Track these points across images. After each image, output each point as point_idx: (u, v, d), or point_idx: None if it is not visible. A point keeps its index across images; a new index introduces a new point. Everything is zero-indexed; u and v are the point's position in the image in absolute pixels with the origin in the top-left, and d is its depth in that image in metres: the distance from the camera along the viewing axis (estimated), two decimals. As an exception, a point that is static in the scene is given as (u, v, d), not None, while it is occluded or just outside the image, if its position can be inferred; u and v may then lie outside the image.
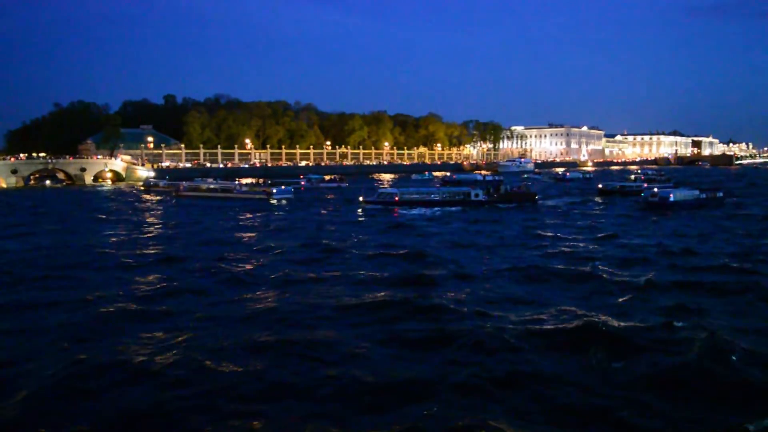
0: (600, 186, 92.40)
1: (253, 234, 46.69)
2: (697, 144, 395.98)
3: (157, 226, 53.68)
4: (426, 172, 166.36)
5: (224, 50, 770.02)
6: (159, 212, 69.06)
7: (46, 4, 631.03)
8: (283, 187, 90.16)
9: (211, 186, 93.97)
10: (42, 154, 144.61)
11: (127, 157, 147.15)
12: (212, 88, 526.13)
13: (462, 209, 64.68)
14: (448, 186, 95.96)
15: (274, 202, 78.69)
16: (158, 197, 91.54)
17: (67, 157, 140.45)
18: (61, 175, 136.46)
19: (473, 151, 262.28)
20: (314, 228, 49.68)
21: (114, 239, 44.65)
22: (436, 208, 65.15)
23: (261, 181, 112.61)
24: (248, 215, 62.22)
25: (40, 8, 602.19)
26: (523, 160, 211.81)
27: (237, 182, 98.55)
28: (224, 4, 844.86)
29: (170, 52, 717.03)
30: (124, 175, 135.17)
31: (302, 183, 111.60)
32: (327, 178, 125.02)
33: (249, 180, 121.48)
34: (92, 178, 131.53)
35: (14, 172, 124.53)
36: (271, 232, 48.31)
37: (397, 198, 68.85)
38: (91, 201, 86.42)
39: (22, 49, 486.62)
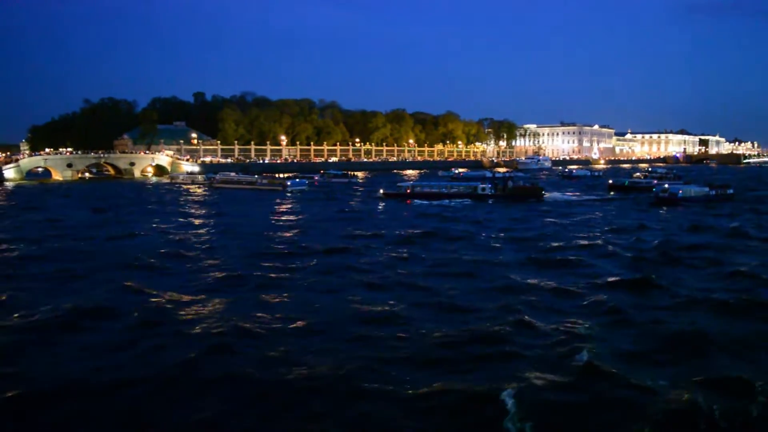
0: (611, 182, 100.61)
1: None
2: (704, 143, 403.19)
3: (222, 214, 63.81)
4: (452, 169, 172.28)
5: (245, 49, 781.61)
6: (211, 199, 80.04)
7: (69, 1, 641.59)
8: (297, 179, 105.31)
9: (239, 178, 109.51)
10: (67, 149, 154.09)
11: (170, 152, 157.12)
12: (237, 86, 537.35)
13: (470, 202, 73.45)
14: (457, 181, 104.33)
15: (288, 193, 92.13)
16: (196, 187, 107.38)
17: (116, 152, 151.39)
18: (108, 169, 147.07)
19: (488, 149, 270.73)
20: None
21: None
22: (444, 200, 74.45)
23: (280, 175, 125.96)
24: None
25: (61, 5, 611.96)
26: (541, 157, 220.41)
27: (257, 175, 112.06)
28: (244, 4, 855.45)
29: (194, 51, 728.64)
30: (169, 170, 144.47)
31: (315, 177, 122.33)
32: (345, 173, 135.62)
33: (281, 174, 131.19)
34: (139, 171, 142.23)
35: (69, 165, 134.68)
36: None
37: (408, 190, 79.89)
38: (156, 192, 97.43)
39: (45, 46, 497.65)
